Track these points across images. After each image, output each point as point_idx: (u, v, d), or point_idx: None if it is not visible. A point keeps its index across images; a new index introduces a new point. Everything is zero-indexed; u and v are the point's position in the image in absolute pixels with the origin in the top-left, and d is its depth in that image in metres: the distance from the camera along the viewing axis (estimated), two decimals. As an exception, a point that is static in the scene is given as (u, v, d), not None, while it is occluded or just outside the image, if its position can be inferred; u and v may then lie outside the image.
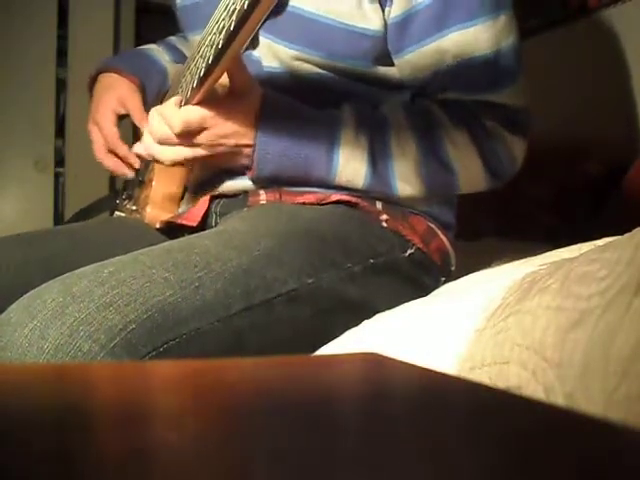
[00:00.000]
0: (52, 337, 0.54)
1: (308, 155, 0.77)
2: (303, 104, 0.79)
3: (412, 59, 0.78)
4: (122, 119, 0.98)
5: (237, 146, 0.76)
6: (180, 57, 1.07)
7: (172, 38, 1.11)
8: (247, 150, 0.77)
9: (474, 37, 0.75)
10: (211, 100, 0.73)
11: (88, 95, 1.03)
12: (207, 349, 0.60)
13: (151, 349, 0.57)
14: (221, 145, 0.75)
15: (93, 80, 1.02)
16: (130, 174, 0.98)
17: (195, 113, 0.72)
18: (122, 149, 0.95)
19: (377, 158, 0.77)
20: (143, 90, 0.99)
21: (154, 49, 1.07)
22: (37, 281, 0.62)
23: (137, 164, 0.96)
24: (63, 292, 0.57)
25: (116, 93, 0.96)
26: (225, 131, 0.74)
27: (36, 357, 0.53)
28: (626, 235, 0.45)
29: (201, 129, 0.73)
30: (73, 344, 0.54)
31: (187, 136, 0.74)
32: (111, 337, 0.55)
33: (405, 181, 0.79)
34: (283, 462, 0.17)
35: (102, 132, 0.96)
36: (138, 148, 0.81)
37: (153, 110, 0.77)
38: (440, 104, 0.80)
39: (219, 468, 0.17)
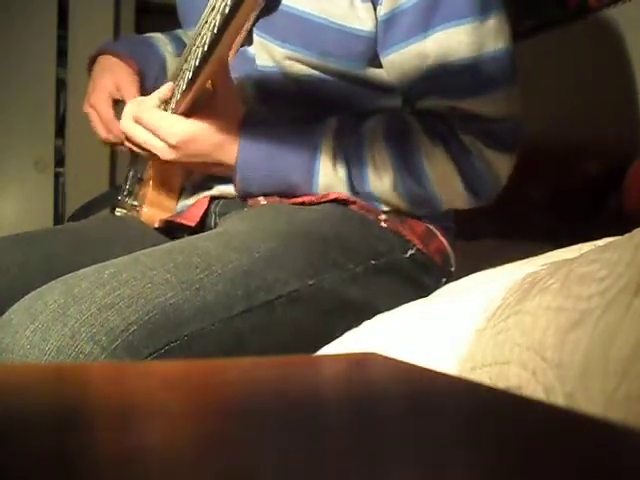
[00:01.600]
0: (53, 339, 0.54)
1: (289, 181, 0.78)
2: (280, 121, 0.80)
3: (396, 59, 0.77)
4: (119, 103, 0.98)
5: (206, 164, 0.78)
6: (183, 49, 1.06)
7: (179, 31, 1.11)
8: (224, 168, 0.79)
9: (457, 39, 0.73)
10: (188, 114, 0.75)
11: (88, 88, 1.02)
12: (208, 350, 0.60)
13: (152, 350, 0.57)
14: (189, 163, 0.78)
15: (92, 61, 1.01)
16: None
17: (150, 117, 0.76)
18: (118, 131, 0.95)
19: (355, 182, 0.78)
20: (142, 77, 0.99)
21: (159, 38, 1.07)
22: (38, 281, 0.62)
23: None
24: (64, 293, 0.57)
25: (113, 77, 0.96)
26: (191, 152, 0.76)
27: (38, 359, 0.53)
28: (626, 235, 0.45)
29: (157, 139, 0.76)
30: (74, 346, 0.54)
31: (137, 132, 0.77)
32: (112, 339, 0.55)
33: (385, 200, 0.79)
34: (283, 462, 0.17)
35: (98, 114, 0.96)
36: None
37: (129, 104, 0.81)
38: (419, 119, 0.78)
39: (219, 468, 0.17)
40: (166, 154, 0.76)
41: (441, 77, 0.75)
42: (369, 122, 0.80)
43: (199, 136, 0.75)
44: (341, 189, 0.78)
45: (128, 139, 0.80)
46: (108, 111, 0.95)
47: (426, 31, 0.74)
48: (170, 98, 0.78)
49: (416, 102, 0.80)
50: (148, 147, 0.77)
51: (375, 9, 0.76)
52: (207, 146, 0.76)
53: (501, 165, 0.78)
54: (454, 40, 0.73)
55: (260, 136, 0.77)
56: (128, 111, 0.78)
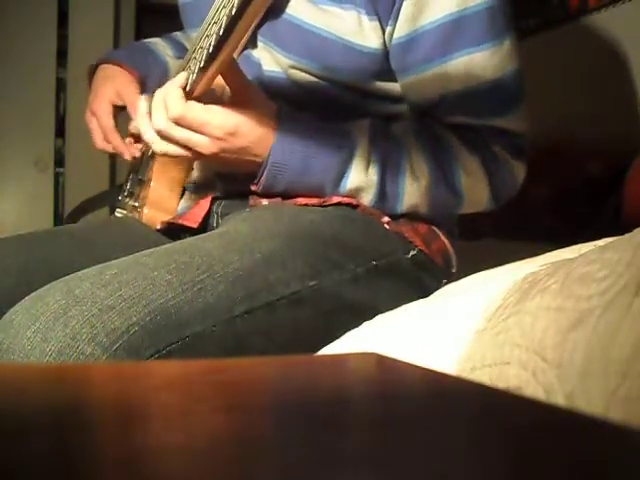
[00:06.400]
0: (55, 340, 0.54)
1: (320, 184, 0.77)
2: (314, 118, 0.78)
3: (416, 81, 0.77)
4: (120, 110, 0.98)
5: (240, 161, 0.75)
6: (183, 52, 1.07)
7: (177, 33, 1.11)
8: (251, 165, 0.76)
9: (480, 62, 0.74)
10: (215, 107, 0.71)
11: (88, 94, 1.02)
12: (209, 351, 0.60)
13: (153, 352, 0.57)
14: (223, 158, 0.74)
15: (92, 71, 1.02)
16: (129, 157, 0.98)
17: (199, 111, 0.70)
18: (116, 140, 0.95)
19: (388, 186, 0.78)
20: (143, 84, 0.99)
21: (157, 43, 1.07)
22: (39, 283, 0.62)
23: (128, 155, 0.96)
24: (65, 294, 0.57)
25: (114, 84, 0.96)
26: (230, 146, 0.73)
27: (39, 359, 0.53)
28: (626, 235, 0.44)
29: (198, 135, 0.72)
30: (75, 347, 0.54)
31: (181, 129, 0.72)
32: (113, 340, 0.55)
33: (411, 203, 0.79)
34: (283, 462, 0.18)
35: (99, 122, 0.96)
36: (133, 128, 0.80)
37: (157, 92, 0.75)
38: (452, 129, 0.80)
39: (219, 468, 0.17)
40: (209, 147, 0.72)
41: (466, 100, 0.77)
42: (398, 127, 0.80)
43: (241, 129, 0.72)
44: (368, 192, 0.78)
45: (165, 138, 0.73)
46: (109, 120, 0.95)
47: (446, 55, 0.74)
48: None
49: (442, 118, 0.81)
50: (191, 145, 0.72)
51: (383, 29, 0.75)
52: (247, 140, 0.73)
53: (521, 174, 0.83)
54: (476, 65, 0.74)
55: (294, 136, 0.75)
56: (159, 115, 0.72)
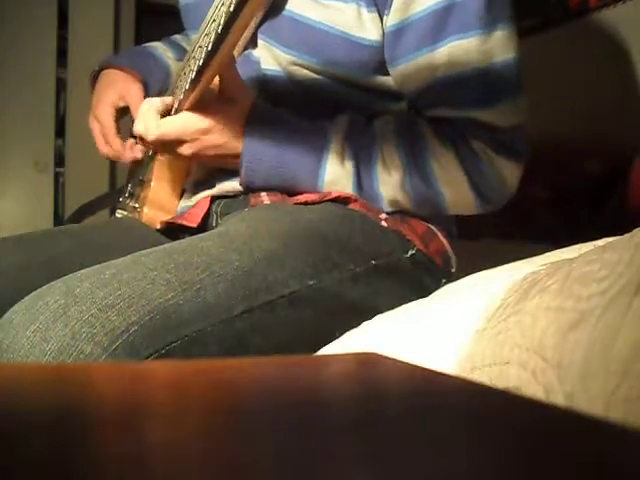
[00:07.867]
0: (54, 339, 0.54)
1: (295, 175, 0.78)
2: (290, 115, 0.79)
3: (405, 70, 0.77)
4: (125, 113, 0.98)
5: (221, 156, 0.79)
6: (184, 55, 1.07)
7: (177, 36, 1.12)
8: (233, 159, 0.79)
9: (466, 51, 0.73)
10: (196, 110, 0.75)
11: (88, 95, 1.03)
12: (208, 351, 0.60)
13: (152, 351, 0.57)
14: (204, 156, 0.79)
15: (95, 77, 1.02)
16: (127, 160, 0.99)
17: (173, 128, 0.76)
18: (115, 143, 0.96)
19: (363, 178, 0.78)
20: (145, 86, 0.99)
21: (158, 47, 1.08)
22: (39, 283, 0.62)
23: (126, 158, 0.97)
24: (65, 294, 0.57)
25: (116, 88, 0.97)
26: (206, 144, 0.77)
27: (38, 359, 0.53)
28: (626, 235, 0.44)
29: (179, 142, 0.77)
30: (75, 346, 0.54)
31: (163, 145, 0.78)
32: (113, 339, 0.55)
33: (391, 200, 0.79)
34: (282, 462, 0.17)
35: (102, 126, 0.96)
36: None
37: (144, 102, 0.81)
38: (429, 122, 0.79)
39: (219, 468, 0.17)
40: (188, 150, 0.78)
41: (451, 89, 0.76)
42: (379, 121, 0.80)
43: (216, 126, 0.76)
44: (347, 184, 0.78)
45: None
46: (110, 122, 0.96)
47: (435, 43, 0.74)
48: (172, 103, 0.79)
49: (426, 111, 0.80)
50: (174, 153, 0.79)
51: (382, 20, 0.76)
52: (222, 136, 0.77)
53: (510, 172, 0.79)
54: (463, 52, 0.74)
55: (267, 128, 0.77)
56: (149, 138, 0.78)
